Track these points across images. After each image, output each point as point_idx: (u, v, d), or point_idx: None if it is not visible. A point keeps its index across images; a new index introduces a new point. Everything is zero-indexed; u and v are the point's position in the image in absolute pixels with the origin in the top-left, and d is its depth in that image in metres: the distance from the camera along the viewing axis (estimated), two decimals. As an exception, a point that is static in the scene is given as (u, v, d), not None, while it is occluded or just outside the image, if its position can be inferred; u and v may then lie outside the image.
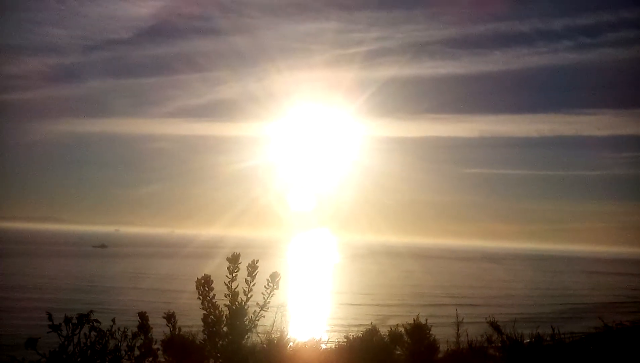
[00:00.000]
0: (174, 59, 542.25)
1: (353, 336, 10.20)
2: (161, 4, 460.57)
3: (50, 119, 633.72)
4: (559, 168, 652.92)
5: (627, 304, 68.28)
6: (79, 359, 7.05)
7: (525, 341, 10.82)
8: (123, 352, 7.38)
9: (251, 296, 7.56)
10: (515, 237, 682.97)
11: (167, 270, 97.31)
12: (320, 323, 47.61)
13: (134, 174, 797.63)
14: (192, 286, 7.67)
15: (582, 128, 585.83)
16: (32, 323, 31.04)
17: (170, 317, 7.76)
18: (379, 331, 10.27)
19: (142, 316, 7.64)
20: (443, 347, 10.98)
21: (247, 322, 7.64)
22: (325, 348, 9.94)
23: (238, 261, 7.52)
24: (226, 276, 7.50)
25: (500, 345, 10.78)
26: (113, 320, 7.48)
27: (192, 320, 8.16)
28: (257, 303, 7.61)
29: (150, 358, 7.53)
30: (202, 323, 7.66)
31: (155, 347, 7.58)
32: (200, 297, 7.62)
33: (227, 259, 7.57)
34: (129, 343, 7.44)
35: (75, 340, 7.05)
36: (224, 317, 7.61)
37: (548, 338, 11.24)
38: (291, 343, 8.73)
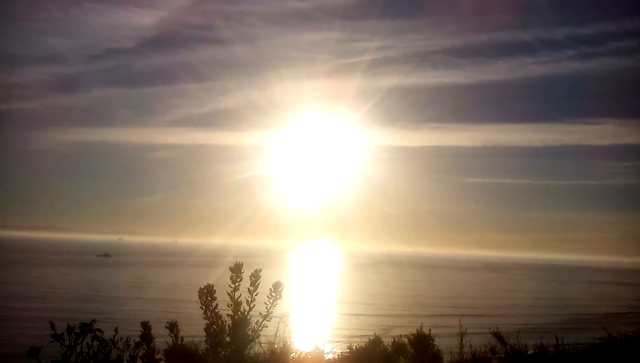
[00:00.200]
0: (177, 68, 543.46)
1: (356, 346, 10.17)
2: (164, 14, 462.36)
3: (53, 128, 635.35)
4: (562, 177, 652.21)
5: (630, 314, 67.92)
6: (81, 369, 7.04)
7: (529, 352, 10.78)
8: (125, 362, 7.36)
9: (254, 306, 7.55)
10: (518, 247, 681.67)
11: (170, 279, 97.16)
12: (323, 333, 47.44)
13: (137, 183, 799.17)
14: (195, 296, 7.65)
15: (585, 138, 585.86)
16: (34, 332, 30.99)
17: (172, 327, 7.74)
18: (382, 341, 10.24)
19: (145, 325, 7.64)
20: (447, 358, 10.93)
21: (249, 332, 7.62)
22: (328, 359, 9.91)
23: (241, 270, 7.51)
24: (229, 285, 7.49)
25: (504, 355, 10.74)
26: (116, 330, 7.48)
27: (194, 330, 8.14)
28: (260, 313, 7.59)
29: (153, 368, 7.52)
30: (204, 333, 7.65)
31: (157, 356, 7.56)
32: (203, 307, 7.61)
33: (230, 268, 7.56)
34: (132, 353, 7.43)
35: (78, 350, 7.05)
36: (226, 327, 7.59)
37: (552, 349, 11.20)
38: (294, 354, 8.71)
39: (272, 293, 7.62)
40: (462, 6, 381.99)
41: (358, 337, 28.62)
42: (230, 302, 7.57)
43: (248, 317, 7.57)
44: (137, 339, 7.53)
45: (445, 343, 11.03)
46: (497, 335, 10.92)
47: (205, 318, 7.62)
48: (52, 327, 6.94)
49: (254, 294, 7.52)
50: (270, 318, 7.67)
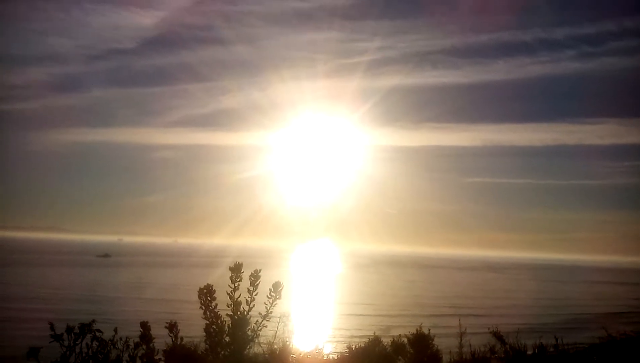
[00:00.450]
0: (177, 68, 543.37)
1: (356, 346, 10.17)
2: (165, 14, 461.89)
3: (53, 128, 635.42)
4: (562, 177, 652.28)
5: (630, 314, 67.92)
6: (80, 369, 7.04)
7: (528, 352, 10.79)
8: (125, 362, 7.37)
9: (253, 306, 7.56)
10: (517, 246, 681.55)
11: (170, 279, 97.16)
12: (322, 333, 47.43)
13: (138, 183, 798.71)
14: (195, 296, 7.66)
15: (584, 137, 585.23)
16: (34, 333, 30.98)
17: (172, 327, 7.75)
18: (381, 341, 10.24)
19: (144, 326, 7.64)
20: (446, 358, 10.93)
21: (249, 332, 7.63)
22: (328, 359, 9.91)
23: (240, 270, 7.52)
24: (228, 285, 7.50)
25: (503, 355, 10.74)
26: (115, 330, 7.48)
27: (194, 330, 8.15)
28: (260, 313, 7.60)
29: (152, 368, 7.52)
30: (204, 333, 7.65)
31: (157, 357, 7.57)
32: (203, 307, 7.61)
33: (230, 268, 7.57)
34: (131, 353, 7.44)
35: (77, 350, 7.06)
36: (226, 327, 7.60)
37: (551, 349, 11.20)
38: (293, 354, 8.71)
39: (272, 293, 7.63)
40: (462, 6, 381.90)
41: (358, 337, 28.62)
42: (230, 302, 7.58)
43: (248, 317, 7.58)
44: (137, 339, 7.54)
45: (444, 343, 11.04)
46: (497, 335, 10.93)
47: (204, 318, 7.63)
48: (52, 327, 6.95)
49: (254, 294, 7.53)
50: (270, 319, 7.68)
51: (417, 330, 10.53)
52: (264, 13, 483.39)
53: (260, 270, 7.65)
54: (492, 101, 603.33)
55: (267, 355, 8.25)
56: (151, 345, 7.57)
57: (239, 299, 7.56)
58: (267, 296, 7.61)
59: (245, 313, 7.57)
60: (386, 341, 10.38)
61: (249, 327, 7.61)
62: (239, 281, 7.50)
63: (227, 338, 7.62)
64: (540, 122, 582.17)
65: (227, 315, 7.62)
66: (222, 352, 7.63)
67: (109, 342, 7.33)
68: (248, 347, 7.70)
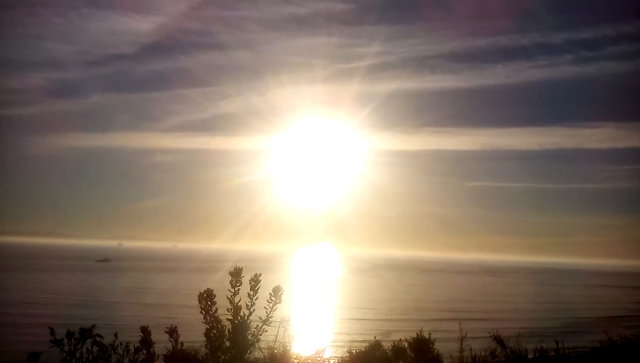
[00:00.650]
0: (176, 74, 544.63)
1: (356, 350, 10.17)
2: (163, 20, 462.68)
3: (52, 133, 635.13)
4: (561, 181, 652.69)
5: (630, 318, 67.83)
6: (81, 374, 7.03)
7: (529, 355, 10.78)
8: (125, 367, 7.36)
9: (254, 310, 7.54)
10: (517, 250, 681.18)
11: (170, 284, 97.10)
12: (323, 337, 47.35)
13: (137, 188, 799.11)
14: (195, 301, 7.64)
15: (583, 141, 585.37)
16: (34, 338, 30.95)
17: (172, 332, 7.73)
18: (382, 345, 10.24)
19: (145, 330, 7.63)
20: (447, 362, 10.93)
21: (249, 337, 7.60)
22: (328, 363, 9.90)
23: (240, 275, 7.50)
24: (229, 290, 7.48)
25: (504, 359, 10.74)
26: (115, 335, 7.47)
27: (194, 335, 8.13)
28: (260, 318, 7.58)
29: (153, 373, 7.51)
30: (204, 338, 7.64)
31: (157, 362, 7.56)
32: (203, 311, 7.60)
33: (230, 273, 7.55)
34: (131, 358, 7.43)
35: (78, 355, 7.04)
36: (226, 332, 7.58)
37: (552, 353, 11.20)
38: (294, 358, 8.70)
39: (272, 298, 7.61)
40: (460, 11, 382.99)
41: (358, 341, 28.56)
42: (230, 307, 7.56)
43: (248, 322, 7.56)
44: (137, 344, 7.53)
45: (445, 347, 11.03)
46: (497, 339, 10.92)
47: (205, 323, 7.61)
48: (52, 332, 6.93)
49: (254, 298, 7.51)
50: (270, 323, 7.66)
51: (417, 334, 10.52)
52: (263, 18, 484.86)
53: (260, 274, 7.63)
54: (491, 105, 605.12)
55: (267, 360, 8.24)
56: (151, 350, 7.55)
57: (239, 303, 7.54)
58: (268, 300, 7.59)
59: (246, 317, 7.55)
60: (387, 345, 10.37)
61: (250, 332, 7.59)
62: (239, 285, 7.48)
63: (227, 343, 7.59)
64: (539, 126, 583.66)
65: (227, 319, 7.60)
66: (223, 357, 7.61)
67: (110, 346, 7.32)
68: (248, 352, 7.68)
